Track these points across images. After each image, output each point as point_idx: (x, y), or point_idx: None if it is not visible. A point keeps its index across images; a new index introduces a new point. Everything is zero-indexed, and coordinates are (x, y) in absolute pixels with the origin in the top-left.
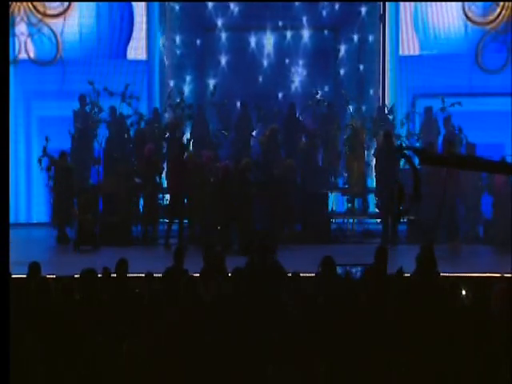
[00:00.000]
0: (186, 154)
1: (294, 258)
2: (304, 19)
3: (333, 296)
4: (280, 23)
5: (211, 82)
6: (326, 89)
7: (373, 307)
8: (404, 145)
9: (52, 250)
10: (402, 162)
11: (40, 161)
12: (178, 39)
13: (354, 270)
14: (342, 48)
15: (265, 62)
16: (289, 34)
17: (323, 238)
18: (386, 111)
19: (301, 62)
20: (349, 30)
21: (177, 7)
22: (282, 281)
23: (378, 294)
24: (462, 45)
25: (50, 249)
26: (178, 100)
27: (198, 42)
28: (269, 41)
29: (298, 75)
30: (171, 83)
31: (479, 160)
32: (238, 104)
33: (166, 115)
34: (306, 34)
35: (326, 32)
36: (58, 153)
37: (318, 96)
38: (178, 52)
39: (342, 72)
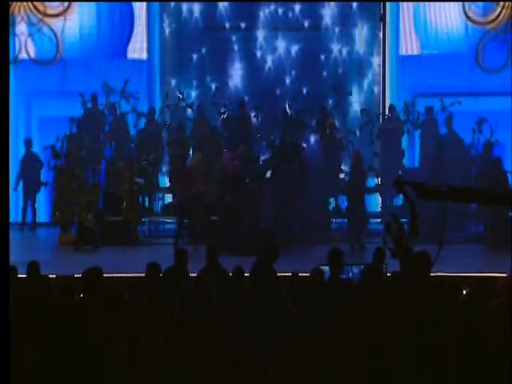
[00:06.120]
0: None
1: (294, 258)
2: (303, 19)
3: (332, 296)
4: (280, 23)
5: (212, 83)
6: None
7: (372, 307)
8: (401, 179)
9: (52, 249)
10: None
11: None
12: (178, 38)
13: (353, 270)
14: (342, 48)
15: (266, 62)
16: (289, 33)
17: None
18: (388, 112)
19: (301, 63)
20: (349, 29)
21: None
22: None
23: (376, 293)
24: (462, 44)
25: (50, 248)
26: (178, 100)
27: (199, 41)
28: (270, 41)
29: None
30: (171, 83)
31: (478, 193)
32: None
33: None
34: (306, 33)
35: (325, 32)
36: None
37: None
38: (179, 52)
39: (340, 72)
